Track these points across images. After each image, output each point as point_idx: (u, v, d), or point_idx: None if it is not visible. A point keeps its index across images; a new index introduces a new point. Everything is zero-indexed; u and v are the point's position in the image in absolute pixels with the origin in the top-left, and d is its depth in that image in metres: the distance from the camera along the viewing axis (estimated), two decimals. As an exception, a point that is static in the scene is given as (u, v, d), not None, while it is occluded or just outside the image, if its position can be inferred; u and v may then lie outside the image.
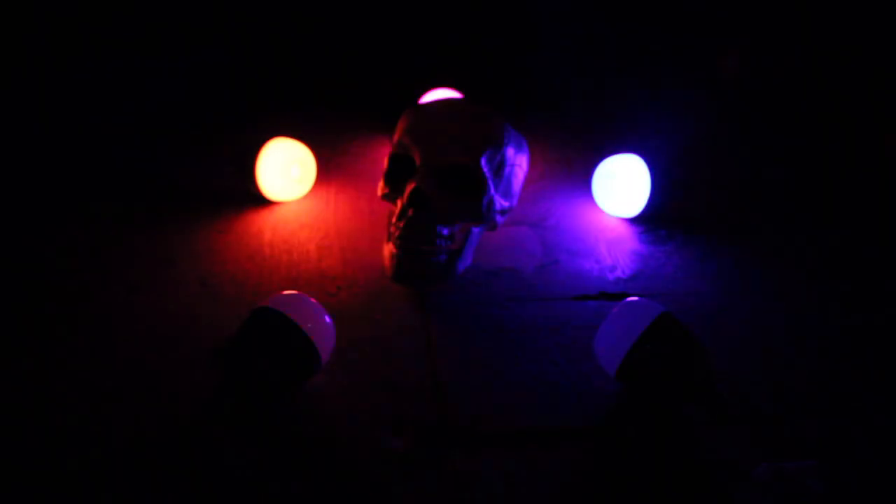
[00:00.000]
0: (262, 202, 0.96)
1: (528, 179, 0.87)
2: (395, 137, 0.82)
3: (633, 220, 0.96)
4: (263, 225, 0.93)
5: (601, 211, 0.99)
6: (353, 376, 0.70)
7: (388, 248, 0.81)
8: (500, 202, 0.81)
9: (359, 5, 1.40)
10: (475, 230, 0.82)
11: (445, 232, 0.79)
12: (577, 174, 1.06)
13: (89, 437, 0.63)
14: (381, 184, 0.82)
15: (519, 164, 0.84)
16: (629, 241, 0.93)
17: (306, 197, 0.99)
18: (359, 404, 0.67)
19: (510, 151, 0.81)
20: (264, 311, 0.66)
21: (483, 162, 0.78)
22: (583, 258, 0.90)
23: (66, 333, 0.74)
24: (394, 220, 0.79)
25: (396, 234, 0.78)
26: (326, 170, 1.04)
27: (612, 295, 0.82)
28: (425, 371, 0.72)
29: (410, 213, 0.77)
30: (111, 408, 0.66)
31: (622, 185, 0.94)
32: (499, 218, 0.82)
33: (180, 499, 0.58)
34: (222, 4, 1.38)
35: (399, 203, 0.78)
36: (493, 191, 0.79)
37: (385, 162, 0.82)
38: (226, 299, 0.80)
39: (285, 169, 0.94)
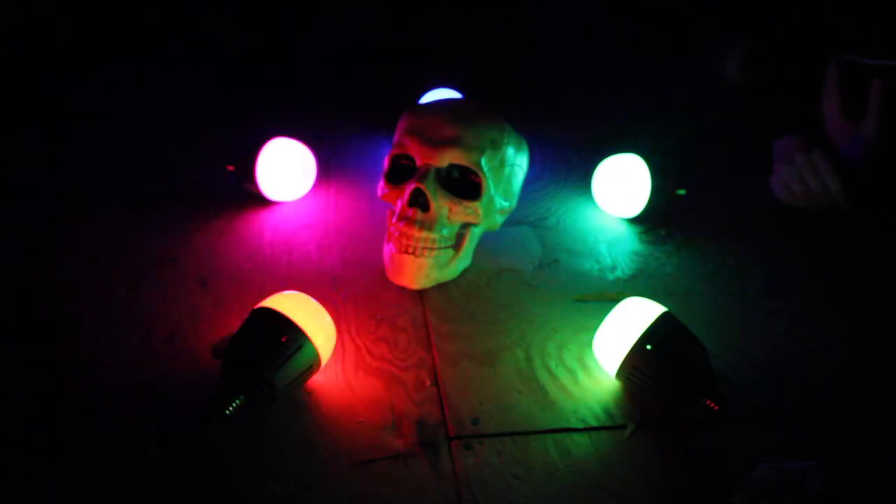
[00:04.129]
0: (262, 202, 0.96)
1: (528, 179, 0.87)
2: (395, 137, 0.82)
3: (633, 220, 0.96)
4: (263, 225, 0.93)
5: (601, 211, 0.99)
6: (353, 376, 0.70)
7: (388, 249, 0.81)
8: (500, 202, 0.81)
9: (359, 5, 1.41)
10: (475, 230, 0.82)
11: (445, 232, 0.79)
12: (577, 174, 1.06)
13: (88, 436, 0.63)
14: (381, 184, 0.82)
15: (519, 164, 0.84)
16: (629, 241, 0.93)
17: (306, 197, 0.99)
18: (359, 404, 0.67)
19: (510, 151, 0.81)
20: (264, 311, 0.66)
21: (483, 162, 0.78)
22: (583, 258, 0.90)
23: (65, 333, 0.74)
24: (394, 220, 0.79)
25: (396, 234, 0.78)
26: (326, 170, 1.04)
27: (612, 295, 0.82)
28: (426, 370, 0.72)
29: (410, 213, 0.77)
30: (111, 408, 0.66)
31: (622, 185, 0.94)
32: (499, 218, 0.82)
33: (180, 498, 0.58)
34: (223, 3, 1.38)
35: (399, 203, 0.78)
36: (492, 191, 0.79)
37: (385, 162, 0.82)
38: (226, 299, 0.80)
39: (285, 169, 0.94)
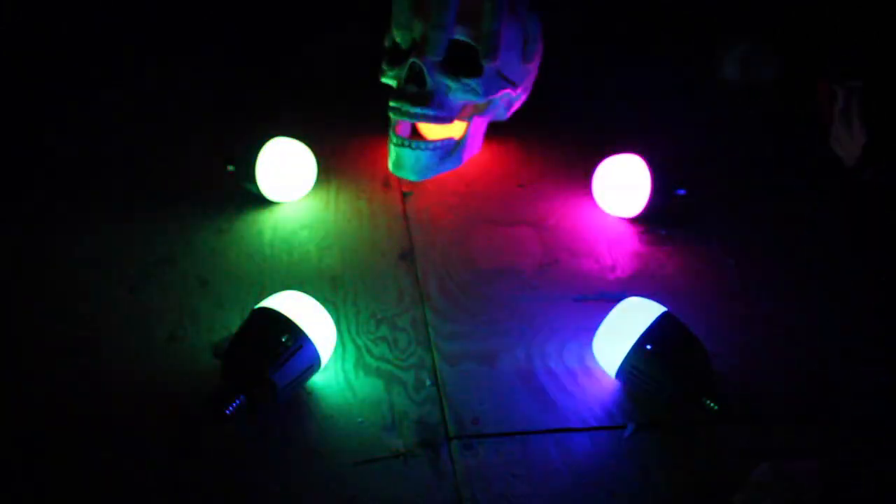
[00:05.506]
0: (262, 202, 0.96)
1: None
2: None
3: (633, 220, 0.96)
4: (263, 225, 0.93)
5: (601, 211, 0.99)
6: (353, 376, 0.70)
7: (391, 143, 0.77)
8: (504, 82, 0.77)
9: (359, 4, 1.41)
10: (480, 118, 0.79)
11: (444, 111, 0.76)
12: (577, 174, 1.06)
13: (86, 436, 0.63)
14: (382, 65, 0.79)
15: (530, 34, 0.80)
16: (629, 241, 0.93)
17: (306, 197, 0.99)
18: (359, 404, 0.67)
19: (514, 19, 0.78)
20: (264, 311, 0.66)
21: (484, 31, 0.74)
22: (583, 258, 0.90)
23: (64, 333, 0.74)
24: (393, 97, 0.76)
25: (394, 119, 0.75)
26: (326, 170, 1.04)
27: (612, 295, 0.82)
28: (426, 370, 0.72)
29: (407, 88, 0.74)
30: (110, 408, 0.66)
31: (622, 185, 0.94)
32: (504, 104, 0.79)
33: (180, 498, 0.58)
34: (223, 4, 1.38)
35: (398, 81, 0.76)
36: (496, 64, 0.75)
37: (384, 42, 0.80)
38: (226, 299, 0.80)
39: (285, 169, 0.94)
